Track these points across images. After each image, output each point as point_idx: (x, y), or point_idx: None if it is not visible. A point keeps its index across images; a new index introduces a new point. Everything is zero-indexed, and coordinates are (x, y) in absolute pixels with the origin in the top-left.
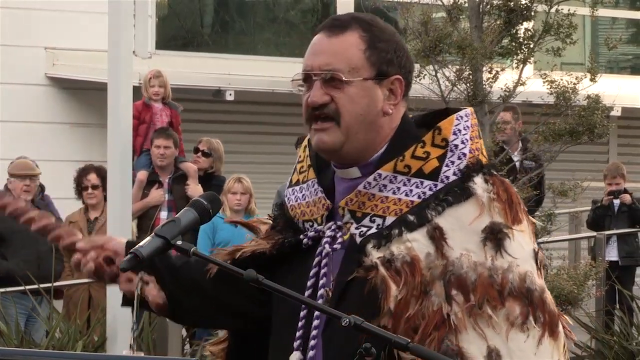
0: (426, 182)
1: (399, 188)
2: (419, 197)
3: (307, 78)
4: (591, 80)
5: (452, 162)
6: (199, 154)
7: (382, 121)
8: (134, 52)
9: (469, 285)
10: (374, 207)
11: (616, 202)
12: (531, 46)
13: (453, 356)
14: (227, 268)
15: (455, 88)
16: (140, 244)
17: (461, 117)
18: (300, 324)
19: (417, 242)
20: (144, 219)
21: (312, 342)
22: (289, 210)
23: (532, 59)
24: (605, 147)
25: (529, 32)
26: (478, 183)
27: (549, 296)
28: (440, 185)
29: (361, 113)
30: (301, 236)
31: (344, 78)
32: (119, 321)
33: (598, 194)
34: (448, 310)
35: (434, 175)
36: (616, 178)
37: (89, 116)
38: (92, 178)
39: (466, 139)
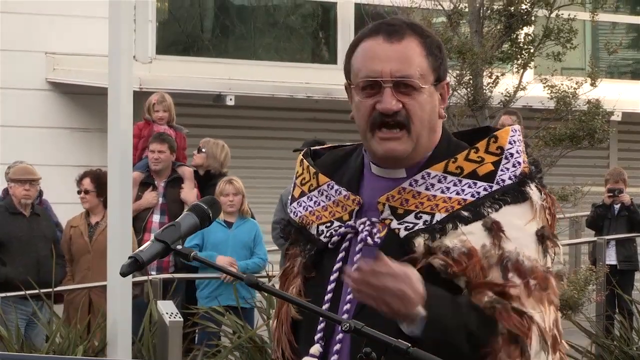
0: (480, 184)
1: (448, 188)
2: (472, 196)
3: (374, 84)
4: (591, 85)
5: (507, 169)
6: (196, 150)
7: (436, 125)
8: (134, 56)
9: (526, 271)
10: (419, 205)
11: (616, 206)
12: (531, 51)
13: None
14: (228, 272)
15: (455, 93)
16: (141, 248)
17: (515, 130)
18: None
19: (473, 235)
20: (137, 221)
21: (338, 336)
22: (297, 222)
23: (533, 63)
24: (606, 151)
25: (529, 37)
26: (533, 190)
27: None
28: (495, 187)
29: (427, 119)
30: (323, 238)
31: (421, 85)
32: (120, 326)
33: (598, 199)
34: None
35: (489, 177)
36: (618, 183)
37: (89, 121)
38: (85, 183)
39: (520, 150)
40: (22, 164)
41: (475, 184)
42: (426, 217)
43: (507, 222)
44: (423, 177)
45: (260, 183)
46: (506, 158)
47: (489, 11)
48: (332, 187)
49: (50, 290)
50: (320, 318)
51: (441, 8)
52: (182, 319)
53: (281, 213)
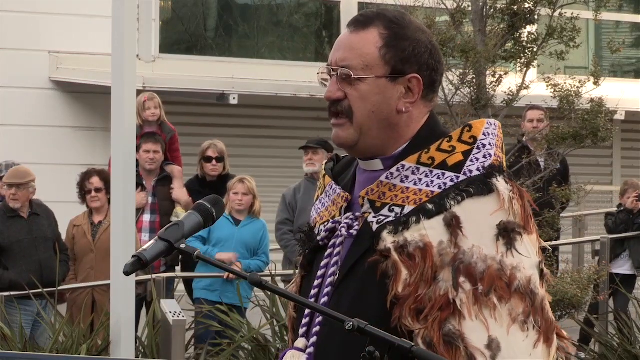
0: (448, 174)
1: (420, 179)
2: (440, 187)
3: (329, 72)
4: (594, 83)
5: (477, 159)
6: (213, 162)
7: (397, 119)
8: (137, 56)
9: (477, 275)
10: (393, 198)
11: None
12: (535, 50)
13: (456, 339)
14: (231, 271)
15: (459, 92)
16: (144, 247)
17: (491, 123)
18: (307, 311)
19: (433, 230)
20: None
21: (315, 329)
22: (312, 225)
23: (536, 62)
24: (609, 150)
25: (533, 36)
26: (500, 181)
27: (548, 304)
28: (462, 178)
29: (373, 110)
30: (319, 237)
31: (353, 75)
32: (123, 325)
33: (601, 198)
34: (454, 295)
35: (457, 168)
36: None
37: (92, 120)
38: (95, 181)
39: (493, 143)
40: (16, 166)
41: (443, 174)
42: (397, 209)
43: (467, 216)
44: (398, 170)
45: (264, 182)
46: (478, 148)
47: (492, 10)
48: (332, 187)
49: (54, 289)
50: (305, 312)
51: (444, 7)
52: (185, 318)
53: (284, 213)
